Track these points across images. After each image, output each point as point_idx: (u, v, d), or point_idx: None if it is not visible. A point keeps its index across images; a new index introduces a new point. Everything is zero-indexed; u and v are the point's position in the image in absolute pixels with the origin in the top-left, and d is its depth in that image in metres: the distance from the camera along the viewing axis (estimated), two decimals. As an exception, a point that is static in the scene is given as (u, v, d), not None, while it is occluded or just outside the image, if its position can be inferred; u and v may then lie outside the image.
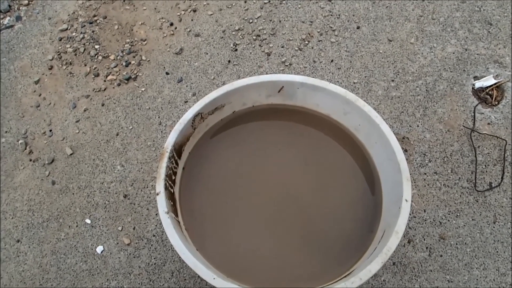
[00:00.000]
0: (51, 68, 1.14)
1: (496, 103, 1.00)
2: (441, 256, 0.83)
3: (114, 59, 1.14)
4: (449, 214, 0.87)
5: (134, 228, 0.90)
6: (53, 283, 0.85)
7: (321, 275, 0.64)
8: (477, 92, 1.02)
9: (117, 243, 0.88)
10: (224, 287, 0.55)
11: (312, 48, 1.12)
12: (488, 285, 0.80)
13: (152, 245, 0.88)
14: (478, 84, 1.02)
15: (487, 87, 1.01)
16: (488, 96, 1.01)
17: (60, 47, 1.17)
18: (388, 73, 1.06)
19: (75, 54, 1.15)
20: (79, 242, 0.89)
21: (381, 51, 1.10)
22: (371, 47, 1.11)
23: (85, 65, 1.14)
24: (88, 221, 0.91)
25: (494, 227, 0.85)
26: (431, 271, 0.82)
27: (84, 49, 1.16)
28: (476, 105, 0.99)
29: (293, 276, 0.65)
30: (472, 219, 0.86)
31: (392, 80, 1.05)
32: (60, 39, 1.18)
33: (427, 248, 0.84)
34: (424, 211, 0.88)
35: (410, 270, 0.82)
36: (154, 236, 0.88)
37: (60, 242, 0.89)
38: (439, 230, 0.86)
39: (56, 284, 0.85)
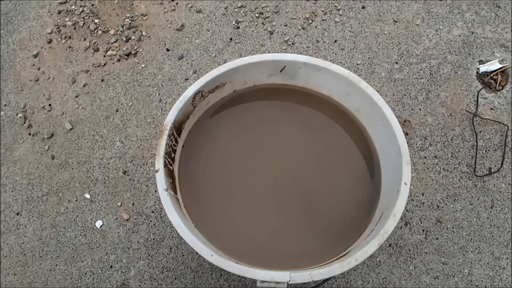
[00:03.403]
0: (50, 41, 1.12)
1: (500, 88, 0.99)
2: (437, 239, 0.84)
3: (114, 34, 1.12)
4: (447, 198, 0.88)
5: (133, 204, 0.90)
6: (53, 255, 0.86)
7: (318, 255, 0.64)
8: (481, 76, 1.01)
9: (116, 218, 0.89)
10: (222, 264, 0.56)
11: (316, 27, 1.10)
12: (482, 268, 0.81)
13: (151, 221, 0.88)
14: (483, 68, 1.00)
15: (491, 72, 1.00)
16: (492, 81, 1.00)
17: (59, 21, 1.15)
18: (392, 55, 1.05)
19: (75, 28, 1.14)
20: (78, 216, 0.90)
21: (385, 32, 1.08)
22: (375, 27, 1.09)
23: (85, 40, 1.12)
24: (87, 196, 0.92)
25: (491, 212, 0.86)
26: (426, 253, 0.83)
27: (84, 23, 1.14)
28: (480, 90, 0.98)
29: (291, 256, 0.66)
30: (470, 204, 0.87)
31: (396, 62, 1.04)
32: (59, 12, 1.16)
33: (423, 231, 0.85)
34: (423, 194, 0.88)
35: (405, 252, 0.83)
36: (153, 212, 0.89)
37: (59, 216, 0.90)
38: (436, 214, 0.86)
39: (56, 257, 0.86)
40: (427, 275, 0.81)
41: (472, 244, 0.83)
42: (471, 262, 0.82)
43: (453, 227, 0.85)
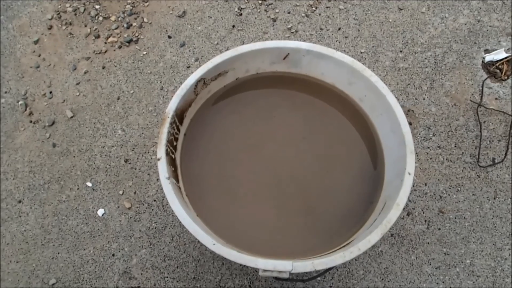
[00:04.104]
0: (50, 28, 1.11)
1: (506, 77, 0.98)
2: (439, 229, 0.84)
3: (115, 20, 1.10)
4: (450, 188, 0.87)
5: (135, 193, 0.90)
6: (55, 243, 0.87)
7: (321, 245, 0.64)
8: (486, 65, 0.99)
9: (118, 207, 0.89)
10: (224, 253, 0.56)
11: (320, 14, 1.09)
12: (484, 259, 0.81)
13: (152, 209, 0.88)
14: (489, 57, 0.99)
15: (497, 61, 0.99)
16: (498, 71, 0.98)
17: (59, 6, 1.14)
18: (397, 43, 1.03)
19: (75, 14, 1.12)
20: (80, 205, 0.90)
21: (390, 20, 1.06)
22: (380, 15, 1.07)
23: (85, 26, 1.10)
24: (89, 184, 0.91)
25: (494, 203, 0.85)
26: (428, 243, 0.83)
27: (84, 9, 1.12)
28: (485, 79, 0.97)
29: (293, 245, 0.65)
30: (473, 194, 0.86)
31: (401, 51, 1.02)
32: (60, -2, 1.15)
33: (425, 221, 0.85)
34: (425, 184, 0.88)
35: (407, 242, 0.83)
36: (155, 201, 0.89)
37: (61, 204, 0.90)
38: (439, 204, 0.86)
39: (58, 244, 0.86)
40: (428, 265, 0.81)
41: (474, 234, 0.83)
42: (473, 253, 0.82)
43: (455, 218, 0.85)
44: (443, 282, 0.80)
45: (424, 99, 0.96)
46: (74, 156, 0.95)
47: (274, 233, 0.67)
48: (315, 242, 0.65)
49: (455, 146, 0.91)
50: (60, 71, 1.05)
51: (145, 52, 1.06)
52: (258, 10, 1.10)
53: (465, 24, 1.05)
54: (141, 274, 0.83)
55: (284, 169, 0.71)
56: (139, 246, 0.85)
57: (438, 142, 0.92)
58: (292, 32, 1.06)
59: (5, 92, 1.03)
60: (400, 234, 0.84)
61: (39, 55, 1.08)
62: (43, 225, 0.89)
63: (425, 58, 1.01)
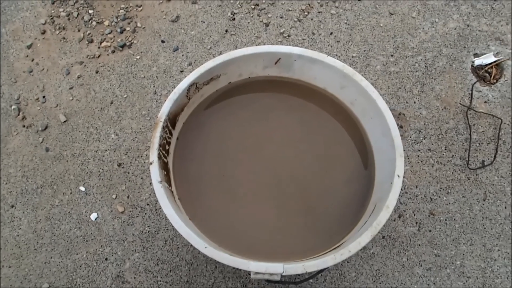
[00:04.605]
0: (43, 32, 1.11)
1: (495, 81, 0.99)
2: (430, 231, 0.85)
3: (108, 25, 1.11)
4: (440, 190, 0.88)
5: (128, 197, 0.90)
6: (48, 248, 0.87)
7: (313, 248, 0.65)
8: (476, 69, 1.01)
9: (111, 211, 0.89)
10: (216, 256, 0.56)
11: (312, 19, 1.10)
12: (474, 260, 0.82)
13: (146, 213, 0.88)
14: (478, 61, 1.01)
15: (486, 65, 1.00)
16: (487, 74, 1.00)
17: (53, 11, 1.14)
18: (388, 47, 1.05)
19: (69, 19, 1.12)
20: (73, 209, 0.90)
21: (381, 25, 1.08)
22: (371, 20, 1.09)
23: (79, 31, 1.11)
24: (82, 188, 0.92)
25: (483, 205, 0.87)
26: (419, 245, 0.84)
27: (78, 14, 1.13)
28: (474, 83, 0.99)
29: (293, 245, 0.66)
30: (463, 196, 0.88)
31: (391, 55, 1.04)
32: (53, 2, 1.15)
33: (416, 223, 0.86)
34: (416, 187, 0.89)
35: (399, 244, 0.84)
36: (148, 205, 0.89)
37: (54, 209, 0.90)
38: (430, 206, 0.87)
39: (51, 249, 0.86)
40: (419, 266, 0.82)
41: (464, 236, 0.84)
42: (463, 254, 0.83)
43: (445, 220, 0.86)
44: (434, 284, 0.81)
45: (414, 102, 0.97)
46: (67, 161, 0.95)
47: (274, 233, 0.67)
48: (315, 242, 0.66)
49: (445, 149, 0.92)
50: (53, 75, 1.05)
51: (138, 57, 1.06)
52: (251, 15, 1.11)
53: (455, 29, 1.06)
54: (134, 278, 0.83)
55: (283, 170, 0.72)
56: (132, 250, 0.85)
57: (428, 145, 0.93)
58: (285, 37, 1.07)
59: (-2, 97, 1.03)
60: (391, 236, 0.85)
61: (32, 60, 1.08)
62: (36, 229, 0.88)
63: (416, 62, 1.02)
